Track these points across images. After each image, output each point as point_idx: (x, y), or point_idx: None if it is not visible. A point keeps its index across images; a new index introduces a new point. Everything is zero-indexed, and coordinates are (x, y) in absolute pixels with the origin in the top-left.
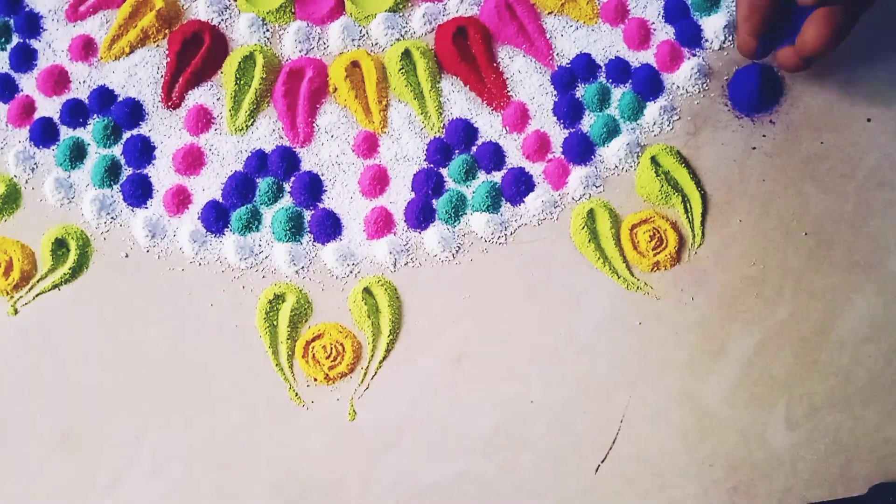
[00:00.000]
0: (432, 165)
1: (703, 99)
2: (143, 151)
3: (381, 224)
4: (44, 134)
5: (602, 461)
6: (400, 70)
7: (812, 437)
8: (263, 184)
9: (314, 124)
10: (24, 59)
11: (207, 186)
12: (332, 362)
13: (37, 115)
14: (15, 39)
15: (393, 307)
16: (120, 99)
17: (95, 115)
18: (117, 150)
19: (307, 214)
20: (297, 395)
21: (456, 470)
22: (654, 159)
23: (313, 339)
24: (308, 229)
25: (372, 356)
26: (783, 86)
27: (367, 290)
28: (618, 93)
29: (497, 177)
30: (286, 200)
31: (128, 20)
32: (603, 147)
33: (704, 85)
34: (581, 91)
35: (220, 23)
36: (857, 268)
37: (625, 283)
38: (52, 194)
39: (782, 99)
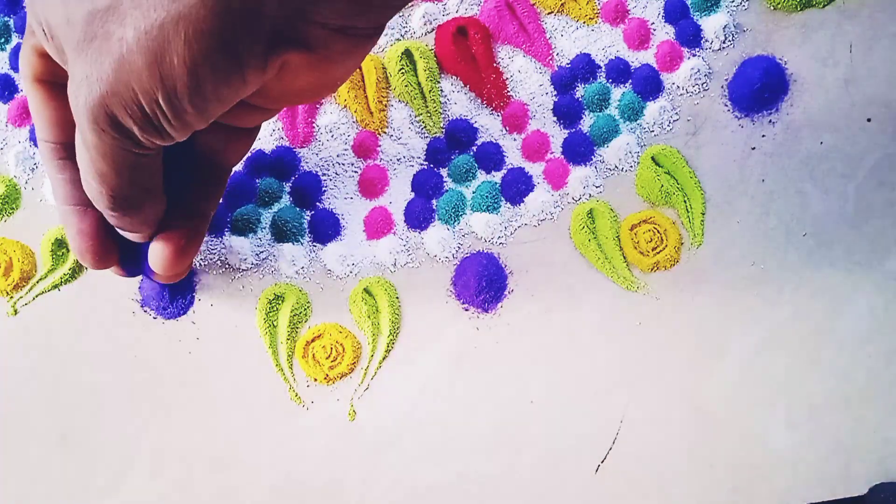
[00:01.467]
0: (432, 165)
1: (703, 99)
2: None
3: (381, 224)
4: None
5: (602, 461)
6: (400, 70)
7: (812, 437)
8: (263, 184)
9: (314, 124)
10: None
11: None
12: (332, 362)
13: None
14: (15, 39)
15: (393, 307)
16: None
17: None
18: None
19: (307, 215)
20: (297, 395)
21: (456, 470)
22: (654, 159)
23: (313, 340)
24: (308, 230)
25: (372, 356)
26: (785, 86)
27: (367, 291)
28: (618, 93)
29: (497, 177)
30: (286, 201)
31: None
32: (603, 147)
33: (704, 85)
34: (581, 91)
35: None
36: (857, 268)
37: (625, 283)
38: (52, 195)
39: (783, 99)
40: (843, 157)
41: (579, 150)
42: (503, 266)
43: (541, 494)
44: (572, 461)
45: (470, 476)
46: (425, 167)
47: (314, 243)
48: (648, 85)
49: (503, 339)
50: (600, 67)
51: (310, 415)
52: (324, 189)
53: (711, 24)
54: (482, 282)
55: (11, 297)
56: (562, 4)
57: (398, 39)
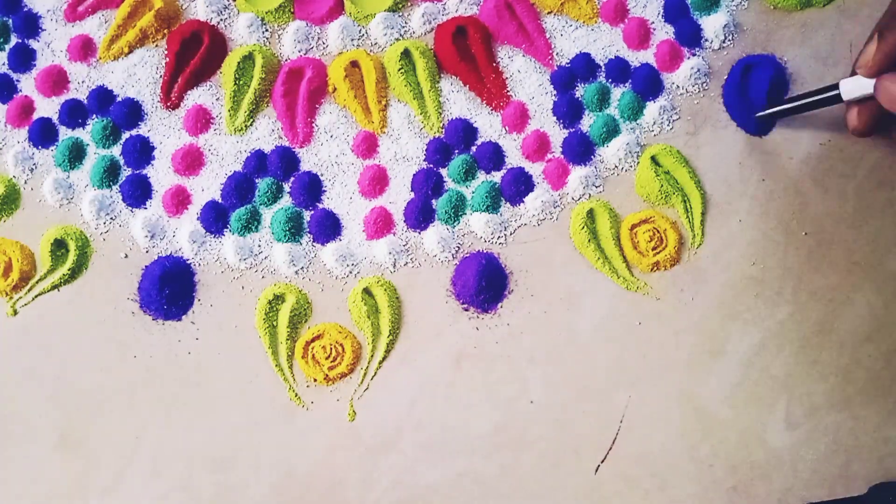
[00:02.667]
0: (432, 165)
1: (702, 99)
2: (142, 152)
3: (381, 224)
4: (43, 134)
5: (602, 461)
6: (399, 70)
7: (812, 437)
8: (263, 184)
9: (313, 124)
10: (23, 59)
11: (207, 187)
12: (331, 363)
13: (36, 116)
14: (14, 39)
15: (393, 307)
16: (119, 99)
17: (94, 116)
18: (116, 151)
19: (307, 215)
20: (296, 395)
21: (456, 470)
22: (653, 159)
23: (313, 340)
24: (308, 229)
25: (372, 356)
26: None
27: (366, 291)
28: (617, 92)
29: (497, 177)
30: (286, 201)
31: (126, 20)
32: (603, 147)
33: (704, 85)
34: (581, 91)
35: (219, 22)
36: (857, 268)
37: (625, 283)
38: (51, 195)
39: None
40: (843, 157)
41: (579, 149)
42: (503, 266)
43: (541, 494)
44: (572, 461)
45: (470, 476)
46: (425, 167)
47: (314, 243)
48: (648, 84)
49: (503, 339)
50: (600, 67)
51: (310, 415)
52: (324, 189)
53: (711, 24)
54: (482, 282)
55: (11, 298)
56: (561, 4)
57: (397, 39)
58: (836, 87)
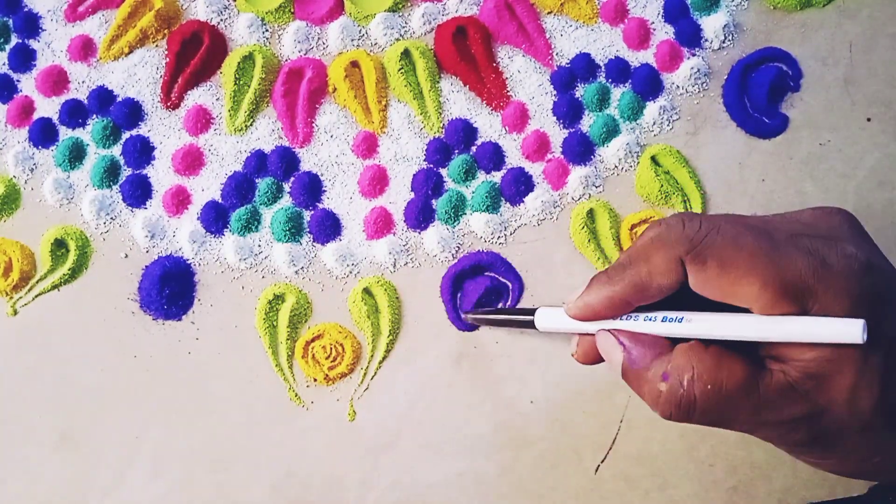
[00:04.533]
0: (432, 165)
1: (702, 99)
2: (142, 152)
3: (381, 224)
4: (43, 134)
5: (602, 461)
6: (399, 70)
7: None
8: (263, 184)
9: (313, 124)
10: (23, 59)
11: (207, 187)
12: (331, 363)
13: (36, 116)
14: (14, 40)
15: (392, 307)
16: (119, 99)
17: (95, 116)
18: (116, 151)
19: (307, 215)
20: (296, 395)
21: (456, 470)
22: (654, 159)
23: (313, 340)
24: (308, 229)
25: (372, 356)
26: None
27: (366, 291)
28: (617, 92)
29: (497, 177)
30: (286, 201)
31: (127, 20)
32: (603, 147)
33: (704, 85)
34: (581, 91)
35: (219, 23)
36: None
37: None
38: (51, 195)
39: (783, 98)
40: (843, 157)
41: (579, 149)
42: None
43: (541, 494)
44: (572, 461)
45: (470, 476)
46: (425, 167)
47: (314, 243)
48: (648, 84)
49: (503, 339)
50: (600, 67)
51: (310, 415)
52: (324, 189)
53: (711, 24)
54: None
55: (11, 298)
56: (561, 4)
57: (398, 39)
58: (532, 312)
